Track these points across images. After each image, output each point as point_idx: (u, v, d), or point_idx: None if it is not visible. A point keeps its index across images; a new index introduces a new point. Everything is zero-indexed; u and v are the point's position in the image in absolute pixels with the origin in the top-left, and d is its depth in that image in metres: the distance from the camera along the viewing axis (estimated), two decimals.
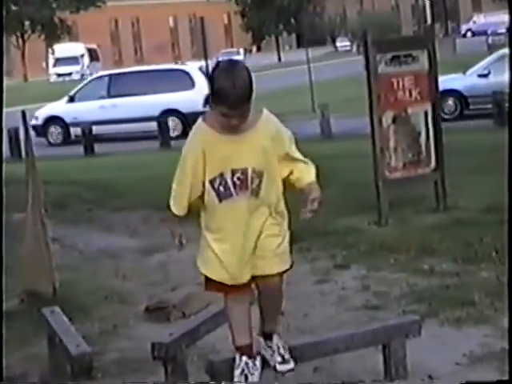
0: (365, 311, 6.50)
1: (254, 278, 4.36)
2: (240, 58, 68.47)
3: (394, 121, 9.33)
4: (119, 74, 25.57)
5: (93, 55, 68.30)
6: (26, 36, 68.50)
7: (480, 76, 20.71)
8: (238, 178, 4.17)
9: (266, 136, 4.18)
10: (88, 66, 65.70)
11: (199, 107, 21.75)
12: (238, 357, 4.42)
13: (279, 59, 69.70)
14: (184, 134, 19.94)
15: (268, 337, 4.48)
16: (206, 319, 5.25)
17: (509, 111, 4.98)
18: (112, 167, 16.38)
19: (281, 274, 4.44)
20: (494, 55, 21.73)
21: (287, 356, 4.44)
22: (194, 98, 22.66)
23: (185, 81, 23.53)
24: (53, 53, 66.80)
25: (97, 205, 11.79)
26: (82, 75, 62.96)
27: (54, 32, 68.85)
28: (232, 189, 4.17)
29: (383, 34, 31.55)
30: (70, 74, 63.19)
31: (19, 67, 69.84)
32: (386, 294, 6.85)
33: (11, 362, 5.86)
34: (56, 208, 10.60)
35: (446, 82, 19.00)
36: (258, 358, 4.45)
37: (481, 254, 7.53)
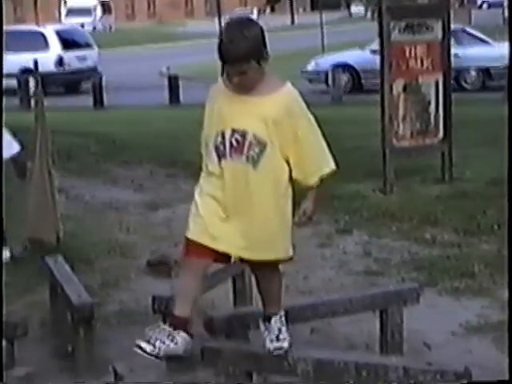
0: (365, 276, 6.55)
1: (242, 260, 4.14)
2: (253, 17, 68.23)
3: (404, 89, 9.32)
4: None
5: (105, 7, 67.94)
6: None
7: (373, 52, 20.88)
8: (236, 140, 3.96)
9: (278, 108, 3.95)
10: (100, 18, 65.41)
11: (51, 68, 24.11)
12: (162, 323, 4.11)
13: (292, 22, 69.24)
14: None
15: (267, 319, 4.25)
16: (207, 276, 5.29)
17: (508, 100, 5.02)
18: (121, 121, 16.38)
19: (274, 263, 4.17)
20: None
21: (282, 336, 4.17)
22: (47, 59, 23.87)
23: (40, 42, 24.95)
24: (65, 3, 66.46)
25: (104, 157, 11.83)
26: (94, 27, 62.76)
27: None
28: (228, 149, 3.97)
29: (399, 1, 31.21)
30: (82, 25, 62.95)
31: (32, 15, 69.52)
32: (387, 260, 6.90)
33: (13, 308, 5.93)
34: (63, 159, 10.64)
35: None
36: (180, 340, 4.02)
37: (483, 227, 7.57)
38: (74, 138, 13.11)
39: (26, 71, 23.01)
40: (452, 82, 10.49)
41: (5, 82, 26.20)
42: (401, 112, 9.32)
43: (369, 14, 66.29)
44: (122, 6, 78.24)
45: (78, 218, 8.46)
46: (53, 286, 5.63)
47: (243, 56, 3.86)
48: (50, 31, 26.09)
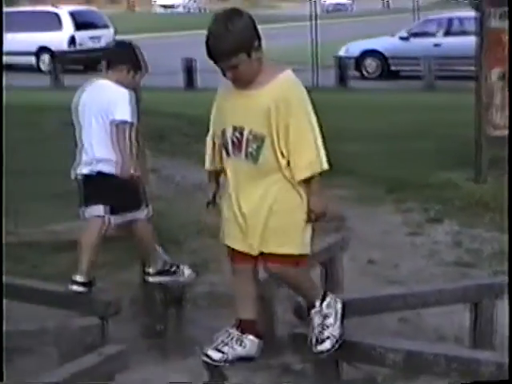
0: (455, 267, 6.46)
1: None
2: (347, 1, 67.60)
3: (501, 77, 9.13)
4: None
5: None
6: None
7: (401, 39, 22.56)
8: (236, 137, 3.88)
9: (272, 97, 3.78)
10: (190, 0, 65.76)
11: (64, 46, 26.26)
12: (229, 329, 4.05)
13: (388, 5, 68.50)
14: (55, 70, 23.22)
15: (308, 311, 4.10)
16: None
17: (509, 108, 4.88)
18: (212, 103, 16.44)
19: (289, 262, 3.94)
20: (418, 21, 23.86)
21: (322, 336, 4.00)
22: (60, 37, 26.41)
23: (54, 22, 26.73)
24: None
25: (196, 139, 11.89)
26: (188, 9, 63.13)
27: None
28: (230, 147, 3.92)
29: None
30: (173, 6, 63.48)
31: None
32: (479, 251, 6.80)
33: (104, 286, 6.03)
34: (156, 139, 10.75)
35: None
36: (248, 343, 4.01)
37: None
38: (166, 119, 13.24)
39: (42, 49, 25.72)
40: None
41: (24, 58, 27.88)
42: (497, 101, 9.13)
43: None
44: None
45: (168, 198, 8.54)
46: (144, 265, 5.70)
47: (229, 51, 3.72)
48: (64, 12, 27.46)
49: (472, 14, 22.72)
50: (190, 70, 22.00)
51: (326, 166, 3.86)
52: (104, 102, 4.99)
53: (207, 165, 4.18)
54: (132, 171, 5.02)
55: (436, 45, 22.08)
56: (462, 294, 4.82)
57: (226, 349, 3.97)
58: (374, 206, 8.26)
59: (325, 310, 4.04)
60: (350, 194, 8.66)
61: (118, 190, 5.02)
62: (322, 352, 4.00)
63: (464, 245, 6.99)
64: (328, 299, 4.09)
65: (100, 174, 5.05)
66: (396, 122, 12.74)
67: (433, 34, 22.67)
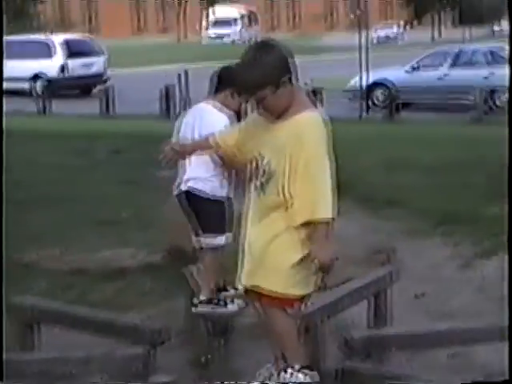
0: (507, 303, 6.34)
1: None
2: (397, 31, 67.44)
3: None
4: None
5: (251, 18, 68.63)
6: None
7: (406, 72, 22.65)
8: (255, 166, 3.88)
9: (289, 135, 3.76)
10: (241, 29, 66.10)
11: (55, 74, 28.15)
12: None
13: (433, 37, 68.30)
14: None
15: (282, 369, 4.05)
16: (345, 294, 5.26)
17: (508, 110, 4.80)
18: None
19: (276, 303, 3.92)
20: (426, 53, 23.40)
21: None
22: (52, 66, 28.40)
23: (46, 51, 28.75)
24: (210, 15, 67.55)
25: None
26: (233, 40, 63.50)
27: None
28: (249, 174, 3.94)
29: None
30: (220, 36, 63.92)
31: (174, 27, 71.05)
32: None
33: (151, 313, 6.04)
34: None
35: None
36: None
37: None
38: None
39: (35, 77, 27.42)
40: None
41: (17, 85, 28.80)
42: None
43: None
44: (266, 17, 79.03)
45: None
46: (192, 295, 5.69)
47: (256, 83, 3.71)
48: (55, 41, 29.55)
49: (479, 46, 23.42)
50: None
51: (329, 215, 3.75)
52: (205, 125, 5.04)
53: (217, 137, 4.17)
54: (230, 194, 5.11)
55: (439, 78, 22.31)
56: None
57: None
58: (422, 239, 8.17)
59: (300, 377, 3.94)
60: (398, 226, 8.59)
61: (210, 211, 5.12)
62: None
63: None
64: (309, 372, 3.97)
65: (193, 193, 5.15)
66: (444, 154, 12.66)
67: (438, 66, 22.81)
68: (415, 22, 78.80)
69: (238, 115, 5.31)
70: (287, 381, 3.89)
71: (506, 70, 20.13)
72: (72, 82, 28.27)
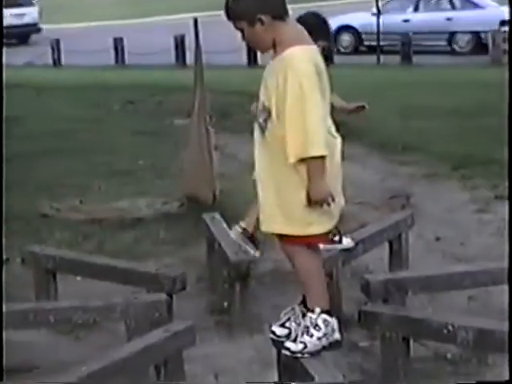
0: None
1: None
2: None
3: None
4: None
5: None
6: None
7: (373, 15, 22.55)
8: (256, 106, 3.94)
9: (277, 72, 3.73)
10: None
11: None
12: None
13: None
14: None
15: (303, 307, 3.99)
16: (364, 238, 5.26)
17: (509, 99, 4.81)
18: None
19: (289, 243, 3.90)
20: None
21: (301, 338, 3.88)
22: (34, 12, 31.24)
23: None
24: None
25: None
26: None
27: None
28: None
29: None
30: None
31: None
32: None
33: (171, 262, 6.06)
34: (219, 116, 10.73)
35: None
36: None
37: None
38: (228, 97, 13.23)
39: None
40: None
41: None
42: None
43: None
44: None
45: (233, 175, 8.52)
46: (210, 242, 5.71)
47: (232, 14, 3.83)
48: None
49: None
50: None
51: (320, 152, 3.68)
52: None
53: None
54: None
55: (405, 20, 22.66)
56: None
57: (290, 324, 3.95)
58: (440, 183, 8.15)
59: (320, 323, 3.89)
60: (416, 170, 8.56)
61: None
62: (287, 349, 3.89)
63: None
64: (329, 319, 3.91)
65: None
66: (462, 98, 12.56)
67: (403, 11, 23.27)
68: None
69: None
70: (307, 324, 3.89)
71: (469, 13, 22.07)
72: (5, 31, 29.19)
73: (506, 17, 19.55)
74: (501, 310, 5.17)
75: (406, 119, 11.13)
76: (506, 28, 19.97)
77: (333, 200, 3.78)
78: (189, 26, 8.24)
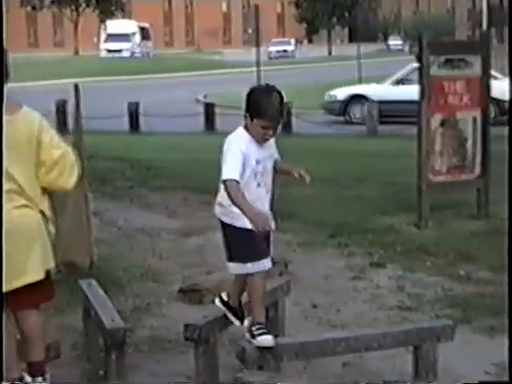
0: (398, 311, 6.50)
1: None
2: (291, 48, 68.32)
3: (442, 124, 9.30)
4: None
5: (144, 34, 68.43)
6: (80, 10, 68.95)
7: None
8: None
9: None
10: (139, 45, 65.89)
11: None
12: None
13: (329, 53, 69.49)
14: None
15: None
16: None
17: (509, 112, 5.04)
18: (156, 147, 16.45)
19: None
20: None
21: None
22: None
23: None
24: (105, 28, 66.99)
25: (138, 183, 11.88)
26: (132, 53, 63.18)
27: (108, 8, 69.30)
28: None
29: (437, 36, 31.41)
30: (119, 50, 63.48)
31: (71, 40, 70.33)
32: (421, 296, 6.84)
33: (45, 329, 5.93)
34: (98, 182, 10.69)
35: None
36: None
37: None
38: (109, 163, 13.19)
39: None
40: None
41: None
42: (438, 147, 9.29)
43: (406, 48, 66.39)
44: (160, 33, 78.98)
45: (111, 242, 8.48)
46: (86, 309, 5.63)
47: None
48: None
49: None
50: (134, 113, 22.00)
51: None
52: None
53: None
54: None
55: None
56: (404, 337, 4.83)
57: None
58: (317, 251, 8.29)
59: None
60: (293, 237, 8.68)
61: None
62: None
63: (406, 289, 7.04)
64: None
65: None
66: (339, 167, 12.86)
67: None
68: (305, 40, 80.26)
69: None
70: None
71: None
72: None
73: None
74: (374, 375, 5.29)
75: (283, 187, 11.30)
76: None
77: None
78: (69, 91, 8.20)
